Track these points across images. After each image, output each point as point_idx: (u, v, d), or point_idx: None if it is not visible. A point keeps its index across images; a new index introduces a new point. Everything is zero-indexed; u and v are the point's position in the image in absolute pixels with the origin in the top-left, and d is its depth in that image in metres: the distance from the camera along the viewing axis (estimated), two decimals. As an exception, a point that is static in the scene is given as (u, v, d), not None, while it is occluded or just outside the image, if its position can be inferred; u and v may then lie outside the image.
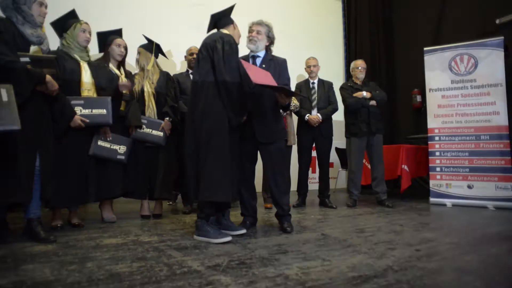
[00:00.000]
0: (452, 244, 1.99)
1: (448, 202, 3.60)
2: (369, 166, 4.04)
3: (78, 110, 2.33)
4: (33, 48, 2.15)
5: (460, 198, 3.55)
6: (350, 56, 5.93)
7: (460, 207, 3.46)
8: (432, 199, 3.71)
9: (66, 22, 2.47)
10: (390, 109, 5.56)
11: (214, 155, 2.03)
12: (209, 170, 2.01)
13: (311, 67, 3.66)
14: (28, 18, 2.04)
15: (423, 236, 2.18)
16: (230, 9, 2.32)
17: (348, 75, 5.89)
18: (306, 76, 3.79)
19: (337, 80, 4.28)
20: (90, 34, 2.53)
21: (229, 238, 2.03)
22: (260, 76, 2.12)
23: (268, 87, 2.18)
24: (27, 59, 1.97)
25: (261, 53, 2.47)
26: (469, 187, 3.52)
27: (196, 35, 4.35)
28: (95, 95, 2.47)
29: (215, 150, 2.04)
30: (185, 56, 3.56)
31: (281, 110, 2.51)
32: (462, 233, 2.31)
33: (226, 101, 2.08)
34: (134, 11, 4.11)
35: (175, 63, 4.38)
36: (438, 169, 3.73)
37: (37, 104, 2.04)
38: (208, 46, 2.13)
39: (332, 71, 5.41)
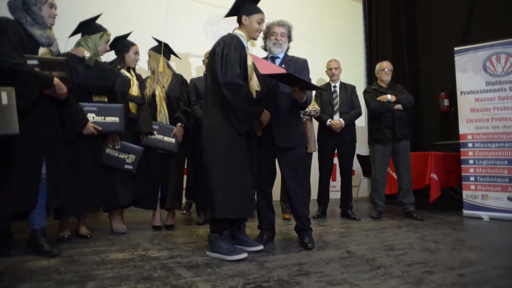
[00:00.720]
0: (502, 268, 1.73)
1: (484, 215, 3.28)
2: (394, 175, 3.77)
3: (90, 117, 2.25)
4: (41, 50, 2.07)
5: (499, 211, 3.23)
6: (371, 58, 5.68)
7: (499, 221, 3.14)
8: (465, 212, 3.40)
9: (93, 25, 2.38)
10: (415, 114, 5.24)
11: (229, 165, 1.88)
12: (224, 182, 1.86)
13: (332, 69, 3.46)
14: (38, 20, 1.96)
15: (463, 257, 1.92)
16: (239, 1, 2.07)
17: (370, 78, 5.65)
18: (327, 79, 3.59)
19: (358, 84, 4.06)
20: None
21: (244, 255, 1.85)
22: (269, 67, 1.94)
23: (278, 77, 1.99)
24: (35, 62, 1.88)
25: (281, 54, 2.31)
26: (510, 199, 3.19)
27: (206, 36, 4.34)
28: (105, 99, 2.40)
29: (230, 159, 1.89)
30: (203, 60, 3.46)
31: (301, 115, 2.32)
32: (511, 254, 2.02)
33: (224, 105, 1.91)
34: (144, 14, 4.03)
35: (191, 65, 4.29)
36: (472, 178, 3.42)
37: (45, 108, 1.94)
38: (211, 51, 2.03)
39: (353, 74, 5.16)
